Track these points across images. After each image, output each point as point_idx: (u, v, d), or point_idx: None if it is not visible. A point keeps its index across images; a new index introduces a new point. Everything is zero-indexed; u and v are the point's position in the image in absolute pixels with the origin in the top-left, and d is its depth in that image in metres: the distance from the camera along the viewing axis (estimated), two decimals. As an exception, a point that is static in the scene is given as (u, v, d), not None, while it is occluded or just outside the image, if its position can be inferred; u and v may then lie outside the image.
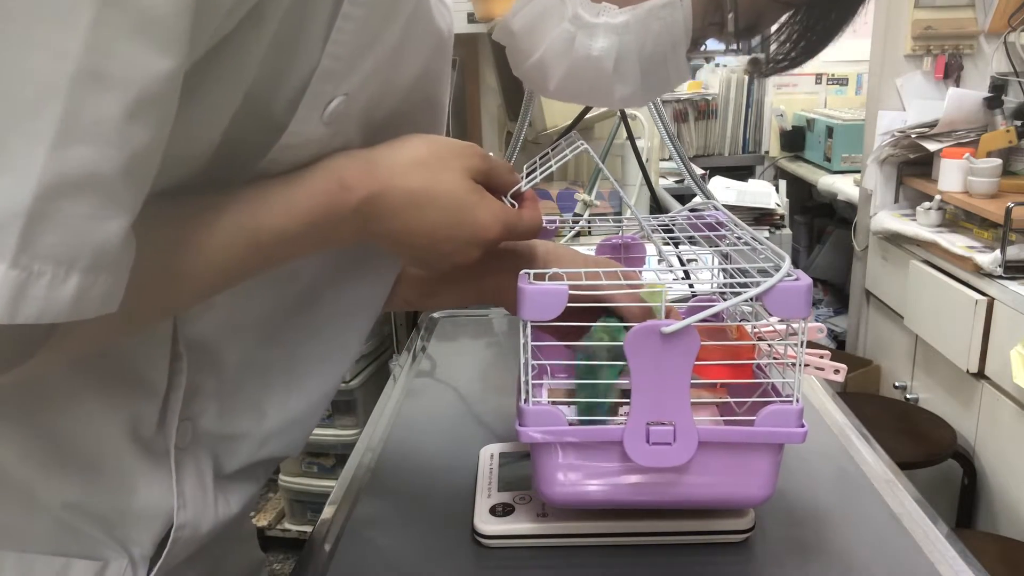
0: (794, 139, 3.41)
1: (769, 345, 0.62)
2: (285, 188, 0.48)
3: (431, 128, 0.59)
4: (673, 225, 0.72)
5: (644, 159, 1.60)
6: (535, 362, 0.57)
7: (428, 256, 0.54)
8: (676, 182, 2.74)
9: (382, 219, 0.51)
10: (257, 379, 0.58)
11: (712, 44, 0.59)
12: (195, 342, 0.52)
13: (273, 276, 0.52)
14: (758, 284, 0.54)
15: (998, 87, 2.23)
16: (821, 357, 0.69)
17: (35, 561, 0.52)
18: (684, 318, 0.54)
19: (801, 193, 3.43)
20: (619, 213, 1.71)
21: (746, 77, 3.31)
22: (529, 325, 0.55)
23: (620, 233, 0.78)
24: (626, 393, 0.56)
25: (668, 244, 0.74)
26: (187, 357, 0.52)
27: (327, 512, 0.70)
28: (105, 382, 0.50)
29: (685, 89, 3.42)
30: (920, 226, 2.19)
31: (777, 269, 0.55)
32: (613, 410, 0.61)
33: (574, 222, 1.37)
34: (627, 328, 0.56)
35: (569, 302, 0.54)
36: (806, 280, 0.54)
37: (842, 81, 3.57)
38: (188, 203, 0.46)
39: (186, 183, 0.46)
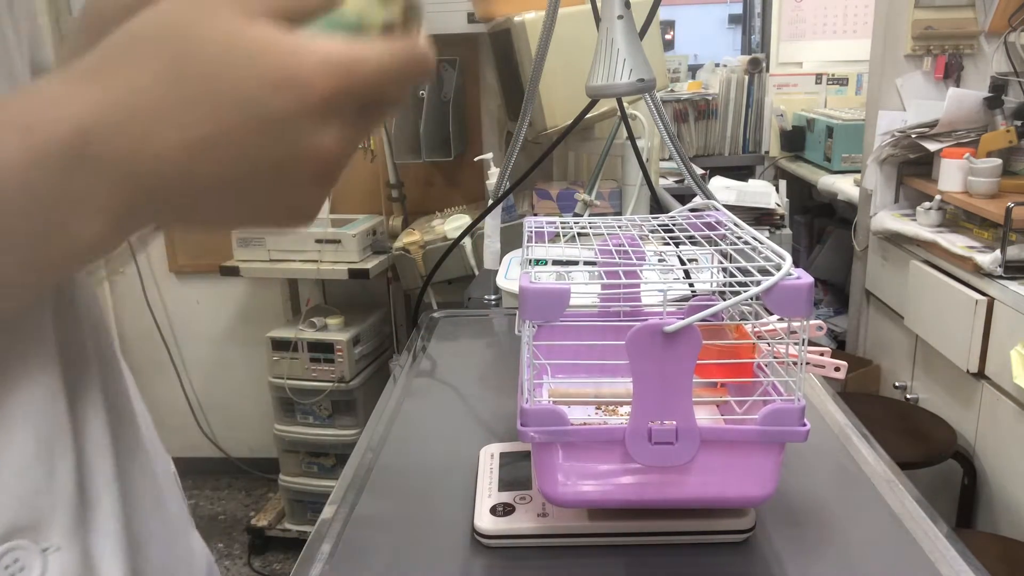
0: (794, 139, 3.41)
1: (768, 344, 0.62)
2: None
3: None
4: (673, 225, 0.72)
5: (644, 159, 1.60)
6: (536, 362, 0.57)
7: (247, 192, 0.35)
8: (676, 182, 2.75)
9: (143, 138, 0.32)
10: None
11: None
12: None
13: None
14: (759, 283, 0.54)
15: (998, 87, 2.23)
16: (821, 355, 0.69)
17: None
18: (684, 317, 0.53)
19: (801, 193, 3.44)
20: (619, 213, 1.71)
21: (746, 77, 3.31)
22: (531, 325, 0.55)
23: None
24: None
25: (668, 244, 0.74)
26: None
27: (327, 512, 0.69)
28: None
29: (685, 89, 3.42)
30: (920, 226, 2.19)
31: (778, 268, 0.55)
32: None
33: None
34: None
35: None
36: (808, 279, 0.54)
37: (842, 81, 3.57)
38: None
39: None
